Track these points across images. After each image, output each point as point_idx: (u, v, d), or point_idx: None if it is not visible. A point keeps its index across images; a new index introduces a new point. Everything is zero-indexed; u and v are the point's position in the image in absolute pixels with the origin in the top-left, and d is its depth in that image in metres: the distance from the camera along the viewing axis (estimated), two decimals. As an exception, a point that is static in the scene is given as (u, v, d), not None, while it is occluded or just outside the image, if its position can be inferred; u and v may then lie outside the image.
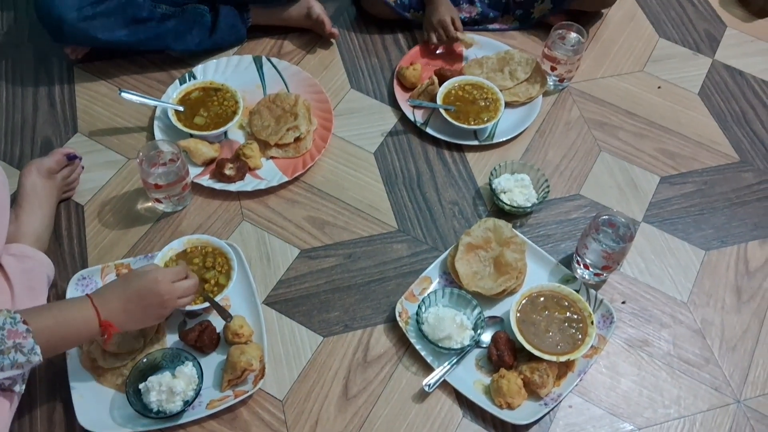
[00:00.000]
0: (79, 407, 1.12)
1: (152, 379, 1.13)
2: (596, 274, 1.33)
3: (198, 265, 1.26)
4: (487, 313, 1.28)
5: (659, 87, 1.72)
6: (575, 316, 1.25)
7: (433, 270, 1.33)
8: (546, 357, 1.19)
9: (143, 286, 1.05)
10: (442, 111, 1.53)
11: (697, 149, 1.60)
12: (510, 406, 1.17)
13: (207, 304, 1.21)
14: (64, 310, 1.02)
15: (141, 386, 1.13)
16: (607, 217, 1.31)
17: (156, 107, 1.51)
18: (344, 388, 1.20)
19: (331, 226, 1.40)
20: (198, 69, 1.59)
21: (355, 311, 1.29)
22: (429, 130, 1.54)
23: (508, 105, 1.58)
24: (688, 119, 1.66)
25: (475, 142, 1.54)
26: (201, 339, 1.19)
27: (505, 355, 1.21)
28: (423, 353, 1.22)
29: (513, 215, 1.43)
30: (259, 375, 1.17)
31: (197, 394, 1.14)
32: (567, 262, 1.37)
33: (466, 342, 1.22)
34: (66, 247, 1.33)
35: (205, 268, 1.26)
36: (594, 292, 1.30)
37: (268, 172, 1.45)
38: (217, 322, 1.22)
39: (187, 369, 1.15)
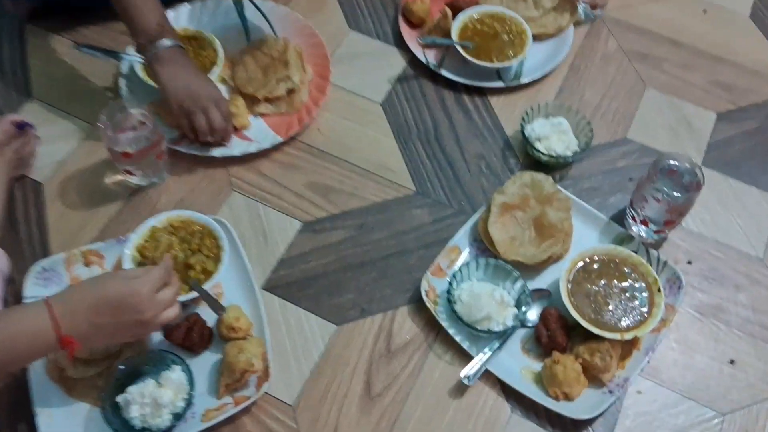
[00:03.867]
0: (46, 428, 0.93)
1: (132, 390, 0.93)
2: (656, 231, 1.13)
3: (182, 248, 1.06)
4: (531, 285, 1.07)
5: (704, 11, 1.49)
6: (638, 284, 1.05)
7: (461, 238, 1.12)
8: (608, 335, 0.99)
9: (120, 298, 0.84)
10: (459, 48, 1.31)
11: (755, 79, 1.38)
12: (567, 397, 0.98)
13: (194, 294, 1.01)
14: (13, 318, 0.83)
15: (119, 399, 0.93)
16: (668, 162, 1.10)
17: (121, 62, 1.28)
18: (366, 385, 1.00)
19: (337, 193, 1.19)
20: (169, 15, 1.35)
21: (373, 292, 1.09)
22: (444, 73, 1.32)
23: (535, 38, 1.36)
24: (741, 45, 1.44)
25: (500, 84, 1.32)
26: (189, 337, 0.99)
27: (558, 335, 1.01)
28: (457, 338, 1.03)
29: (551, 167, 1.22)
30: (263, 376, 0.98)
31: (188, 404, 0.94)
32: (619, 218, 1.16)
33: (509, 322, 1.02)
34: (23, 233, 1.12)
35: (190, 251, 1.05)
36: (655, 253, 1.10)
37: (258, 132, 1.24)
38: (208, 315, 1.02)
39: (175, 375, 0.95)
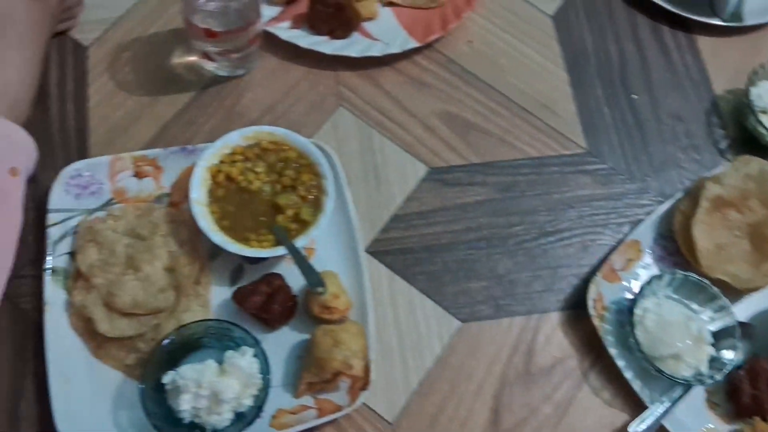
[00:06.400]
0: (59, 399, 0.71)
1: (186, 373, 0.70)
2: None
3: (270, 179, 0.80)
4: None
5: None
6: None
7: (645, 230, 0.86)
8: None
9: None
10: (674, -40, 0.99)
11: None
12: (765, 484, 0.75)
13: (280, 250, 0.76)
14: None
15: (166, 379, 0.71)
16: None
17: None
18: (494, 413, 0.78)
19: (481, 134, 0.91)
20: None
21: (515, 284, 0.84)
22: (644, -10, 1.01)
23: (776, -37, 1.03)
24: None
25: (715, 21, 1.01)
26: (269, 307, 0.76)
27: (766, 397, 0.76)
28: (627, 375, 0.79)
29: (772, 151, 0.94)
30: (361, 382, 0.74)
31: (260, 406, 0.71)
32: None
33: (704, 368, 0.77)
34: (55, 118, 0.86)
35: (280, 186, 0.80)
36: None
37: (385, 28, 0.95)
38: (293, 277, 0.78)
39: (245, 361, 0.72)
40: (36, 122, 0.84)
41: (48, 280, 0.76)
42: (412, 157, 0.89)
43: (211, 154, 0.79)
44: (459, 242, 0.85)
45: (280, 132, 0.82)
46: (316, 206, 0.79)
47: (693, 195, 0.85)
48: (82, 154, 0.84)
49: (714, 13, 1.02)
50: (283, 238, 0.77)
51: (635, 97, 0.96)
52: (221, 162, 0.80)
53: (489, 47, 0.97)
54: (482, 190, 0.88)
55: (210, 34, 0.81)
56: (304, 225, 0.78)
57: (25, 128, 0.77)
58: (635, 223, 0.87)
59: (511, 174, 0.90)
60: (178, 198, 0.82)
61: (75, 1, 0.88)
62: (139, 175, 0.82)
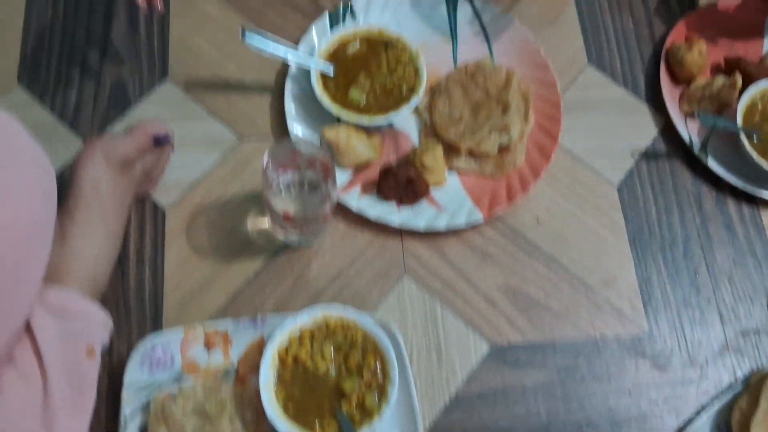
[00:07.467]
0: None
1: None
2: None
3: (336, 360, 0.83)
4: None
5: None
6: None
7: (703, 425, 0.86)
8: None
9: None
10: (743, 137, 1.00)
11: None
12: None
13: (343, 439, 0.78)
14: None
15: None
16: None
17: (291, 64, 1.00)
18: None
19: (542, 311, 0.93)
20: (359, 2, 1.07)
21: (572, 476, 0.84)
22: (711, 164, 1.02)
23: None
24: None
25: (781, 196, 1.02)
26: (330, 499, 0.77)
27: None
28: None
29: (838, 342, 0.93)
30: None
31: None
32: None
33: None
34: (132, 283, 0.90)
35: (346, 369, 0.82)
36: None
37: (451, 196, 0.97)
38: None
39: None
40: (113, 287, 0.88)
41: (120, 458, 0.79)
42: (474, 333, 0.91)
43: (281, 335, 0.82)
44: (518, 428, 0.87)
45: (349, 315, 0.84)
46: (381, 394, 0.81)
47: (753, 391, 0.86)
48: (156, 321, 0.88)
49: (779, 186, 1.03)
50: (345, 425, 0.78)
51: (697, 275, 0.96)
52: (290, 342, 0.83)
53: (553, 217, 0.98)
54: (542, 372, 0.89)
55: (287, 218, 0.84)
56: (367, 413, 0.80)
57: (101, 303, 0.80)
58: (694, 412, 0.87)
59: (571, 355, 0.91)
60: (244, 371, 0.85)
61: (158, 171, 0.92)
62: (208, 345, 0.85)
